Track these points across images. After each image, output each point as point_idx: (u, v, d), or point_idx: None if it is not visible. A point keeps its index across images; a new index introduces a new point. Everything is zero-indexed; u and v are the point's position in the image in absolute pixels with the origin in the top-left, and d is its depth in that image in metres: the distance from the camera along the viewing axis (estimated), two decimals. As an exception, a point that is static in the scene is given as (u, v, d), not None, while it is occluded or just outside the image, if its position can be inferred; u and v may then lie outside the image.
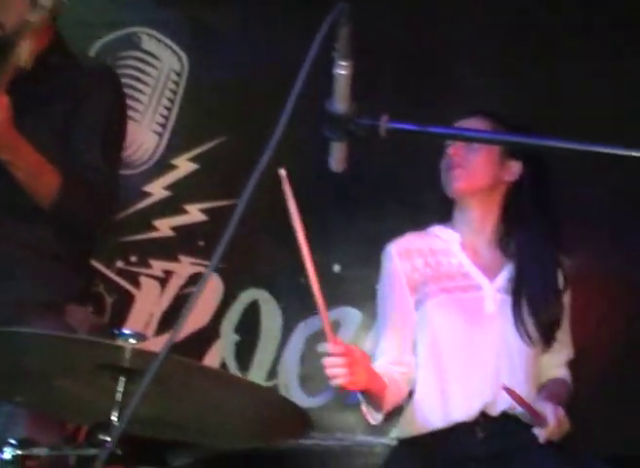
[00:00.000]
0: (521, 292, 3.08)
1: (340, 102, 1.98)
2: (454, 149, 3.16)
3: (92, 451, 2.12)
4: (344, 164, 2.07)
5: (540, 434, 2.87)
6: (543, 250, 3.13)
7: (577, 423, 3.14)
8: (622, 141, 1.83)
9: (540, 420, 2.88)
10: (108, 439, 2.19)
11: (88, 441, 2.19)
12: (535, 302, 3.07)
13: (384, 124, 1.98)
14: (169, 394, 2.26)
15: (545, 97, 3.83)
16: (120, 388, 2.22)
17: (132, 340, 2.22)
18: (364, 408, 3.00)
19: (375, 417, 3.01)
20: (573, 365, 3.32)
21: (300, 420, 2.37)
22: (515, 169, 3.17)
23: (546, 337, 3.10)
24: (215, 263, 1.69)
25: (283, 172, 2.52)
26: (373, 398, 2.95)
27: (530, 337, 3.05)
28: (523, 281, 3.10)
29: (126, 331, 2.23)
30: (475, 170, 3.15)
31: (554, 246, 3.16)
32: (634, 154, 1.83)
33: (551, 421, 2.86)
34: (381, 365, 3.06)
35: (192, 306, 1.69)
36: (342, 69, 1.93)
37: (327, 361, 2.72)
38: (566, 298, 3.19)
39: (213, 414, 2.36)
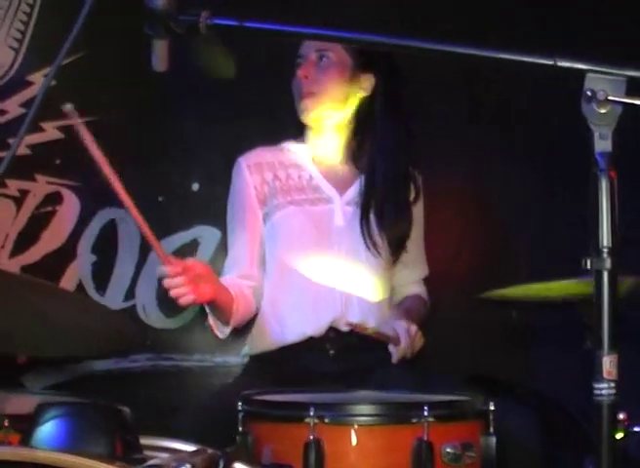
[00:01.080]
0: (370, 204, 3.07)
1: (160, -3, 1.92)
2: (303, 71, 3.10)
3: None
4: (167, 63, 2.00)
5: (393, 353, 2.87)
6: (394, 161, 3.12)
7: (435, 347, 3.16)
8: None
9: (393, 340, 2.88)
10: None
11: None
12: (383, 214, 3.07)
13: (204, 20, 1.92)
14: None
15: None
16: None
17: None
18: (211, 320, 2.98)
19: (222, 330, 2.99)
20: (431, 288, 3.34)
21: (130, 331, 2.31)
22: (368, 83, 3.13)
23: (394, 250, 3.09)
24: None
25: (68, 107, 2.32)
26: (220, 310, 2.92)
27: (377, 250, 3.04)
28: (372, 193, 3.09)
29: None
30: (326, 92, 3.10)
31: (406, 158, 3.14)
32: (492, 55, 1.82)
33: (404, 340, 2.86)
34: (230, 278, 3.03)
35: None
36: (159, -39, 1.86)
37: (167, 283, 2.69)
38: (417, 212, 3.18)
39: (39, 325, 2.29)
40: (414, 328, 2.91)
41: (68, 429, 1.70)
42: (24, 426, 1.94)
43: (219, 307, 2.89)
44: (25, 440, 1.74)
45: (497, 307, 3.35)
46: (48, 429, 1.70)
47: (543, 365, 3.68)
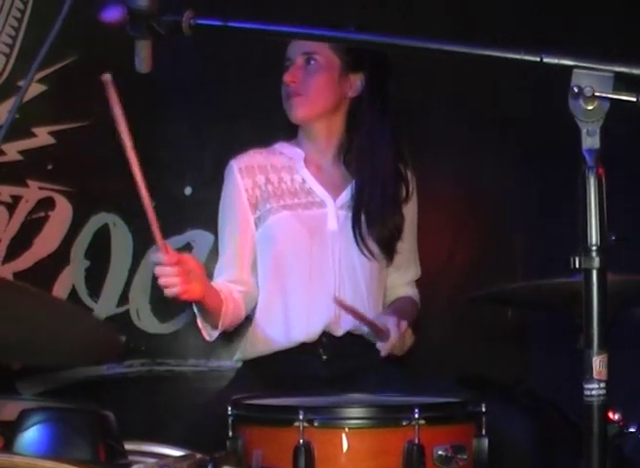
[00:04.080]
0: (360, 206, 3.04)
1: (142, -3, 1.90)
2: (290, 76, 3.07)
3: None
4: (150, 64, 1.98)
5: (382, 347, 2.85)
6: (383, 162, 3.07)
7: (426, 349, 3.14)
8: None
9: (382, 333, 2.85)
10: None
11: None
12: (373, 216, 3.03)
13: (187, 20, 1.90)
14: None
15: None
16: None
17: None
18: (199, 323, 2.95)
19: (210, 334, 2.97)
20: (426, 289, 3.31)
21: (113, 339, 2.27)
22: (357, 82, 3.10)
23: (387, 250, 3.07)
24: None
25: (107, 76, 2.33)
26: (208, 312, 2.89)
27: (371, 252, 3.02)
28: (362, 194, 3.06)
29: None
30: (315, 95, 3.07)
31: (395, 158, 3.10)
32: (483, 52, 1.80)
33: (393, 334, 2.83)
34: (220, 282, 3.01)
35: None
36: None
37: (159, 270, 2.64)
38: (409, 211, 3.15)
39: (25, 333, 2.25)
40: (404, 323, 2.88)
41: (51, 434, 1.68)
42: (10, 432, 1.92)
43: (207, 309, 2.86)
44: (8, 445, 1.72)
45: (492, 308, 3.33)
46: (30, 435, 1.68)
47: (539, 365, 3.67)
